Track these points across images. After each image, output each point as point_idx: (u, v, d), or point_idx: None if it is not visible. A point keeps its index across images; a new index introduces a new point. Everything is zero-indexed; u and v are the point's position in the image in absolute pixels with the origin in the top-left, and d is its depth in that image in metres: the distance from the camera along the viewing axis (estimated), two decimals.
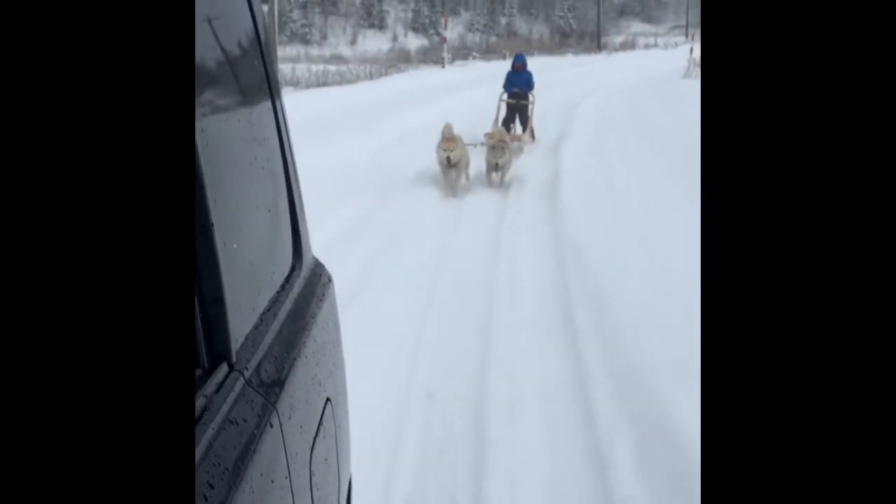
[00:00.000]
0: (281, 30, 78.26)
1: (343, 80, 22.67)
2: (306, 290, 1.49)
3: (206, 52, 1.06)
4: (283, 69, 21.19)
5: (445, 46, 32.83)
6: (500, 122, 11.12)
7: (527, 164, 9.41)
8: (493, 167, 8.04)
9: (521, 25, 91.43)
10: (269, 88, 1.39)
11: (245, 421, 1.03)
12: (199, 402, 0.92)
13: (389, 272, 5.47)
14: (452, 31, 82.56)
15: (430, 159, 8.17)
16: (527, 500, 2.92)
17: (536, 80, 11.66)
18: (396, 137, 10.64)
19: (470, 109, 12.78)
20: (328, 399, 1.44)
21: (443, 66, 28.88)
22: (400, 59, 40.24)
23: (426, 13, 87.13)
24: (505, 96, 11.52)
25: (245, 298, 1.14)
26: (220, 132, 1.09)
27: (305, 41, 49.87)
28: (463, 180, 8.07)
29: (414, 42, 74.47)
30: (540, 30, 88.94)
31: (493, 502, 2.88)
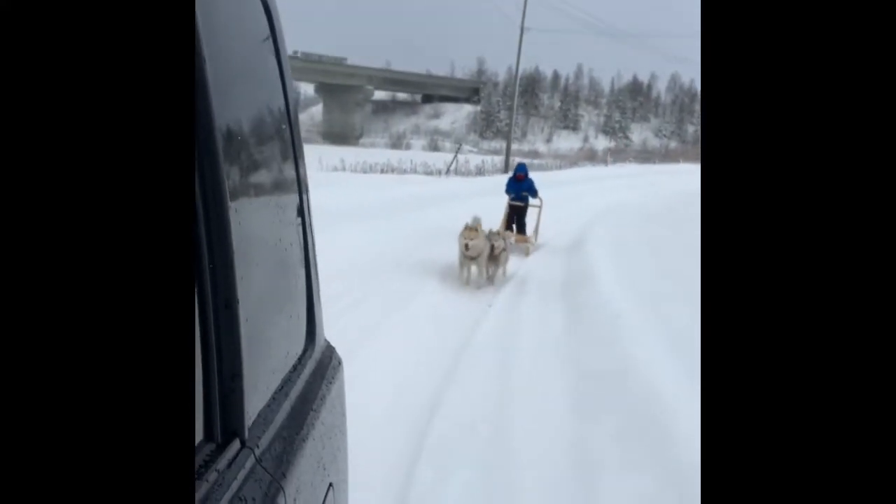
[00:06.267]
0: (488, 126, 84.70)
1: (543, 168, 34.70)
2: (317, 372, 1.50)
3: (243, 135, 1.12)
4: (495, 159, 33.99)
5: (608, 151, 49.32)
6: (505, 223, 11.74)
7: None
8: (490, 250, 8.29)
9: None
10: (297, 174, 1.44)
11: (253, 499, 1.02)
12: (211, 476, 0.92)
13: None
14: (639, 135, 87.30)
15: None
16: None
17: (638, 182, 12.65)
18: (564, 195, 17.11)
19: (591, 189, 20.96)
20: (331, 484, 1.42)
21: (606, 165, 40.89)
22: (587, 158, 52.81)
23: (617, 118, 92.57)
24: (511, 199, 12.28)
25: (260, 376, 1.16)
26: (251, 212, 1.14)
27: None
28: (480, 272, 8.21)
29: (602, 143, 78.39)
30: None
31: None
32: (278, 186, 1.31)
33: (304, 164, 1.47)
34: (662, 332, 5.40)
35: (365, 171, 23.45)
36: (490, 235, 8.31)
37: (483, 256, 7.97)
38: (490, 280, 8.37)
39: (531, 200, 12.00)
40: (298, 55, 76.83)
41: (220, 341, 1.00)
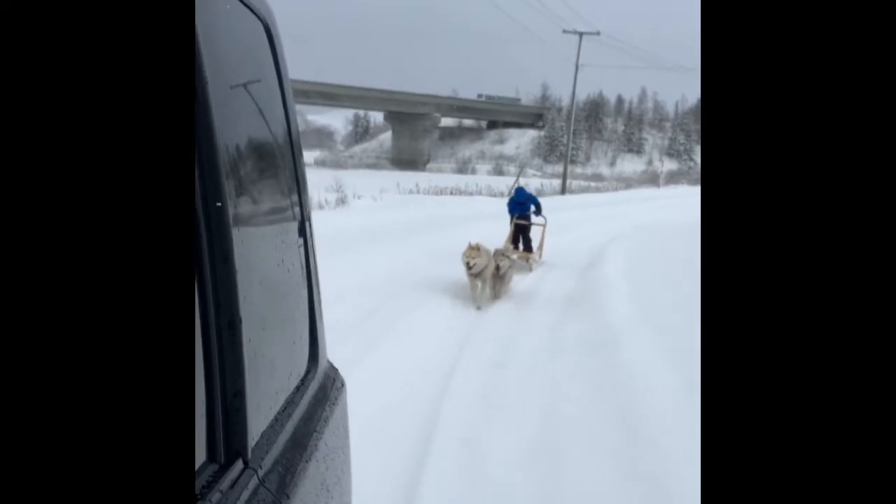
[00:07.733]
0: (552, 151, 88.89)
1: (598, 190, 39.07)
2: (320, 393, 1.50)
3: (246, 158, 1.14)
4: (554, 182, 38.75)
5: (662, 174, 53.02)
6: (511, 241, 12.27)
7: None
8: (496, 270, 8.94)
9: None
10: (300, 198, 1.46)
11: None
12: (215, 497, 0.92)
13: None
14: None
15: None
16: None
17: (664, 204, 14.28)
18: (603, 213, 21.51)
19: (623, 210, 23.00)
20: None
21: (658, 187, 43.12)
22: (650, 180, 55.01)
23: (682, 141, 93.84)
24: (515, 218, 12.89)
25: (263, 396, 1.16)
26: (254, 235, 1.15)
27: (571, 161, 55.22)
28: (488, 291, 8.78)
29: (667, 165, 79.61)
30: None
31: None
32: (281, 209, 1.33)
33: (306, 188, 1.49)
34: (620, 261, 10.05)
35: (436, 194, 25.78)
36: (496, 255, 8.92)
37: (488, 272, 8.64)
38: (497, 296, 8.90)
39: (535, 219, 12.56)
40: (483, 97, 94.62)
41: (224, 361, 1.01)
